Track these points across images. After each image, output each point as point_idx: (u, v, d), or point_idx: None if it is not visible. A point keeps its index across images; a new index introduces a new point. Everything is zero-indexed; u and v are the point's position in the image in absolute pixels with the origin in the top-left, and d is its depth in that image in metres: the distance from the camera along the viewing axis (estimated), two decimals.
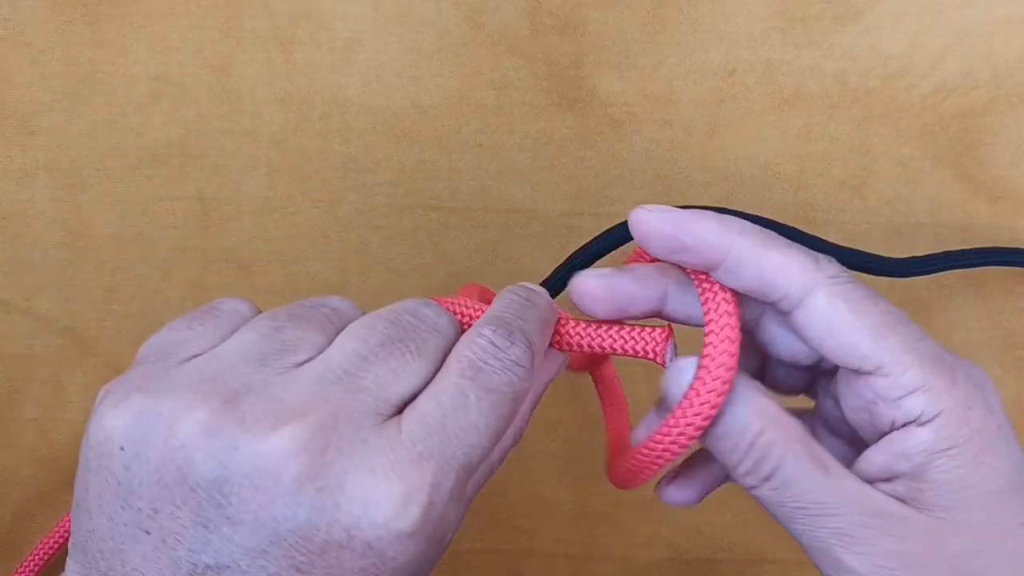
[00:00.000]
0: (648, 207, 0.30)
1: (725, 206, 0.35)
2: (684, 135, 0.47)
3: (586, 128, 0.47)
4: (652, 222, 0.30)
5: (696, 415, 0.29)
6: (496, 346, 0.29)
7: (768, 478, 0.30)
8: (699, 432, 0.29)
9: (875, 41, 0.47)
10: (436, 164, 0.48)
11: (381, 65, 0.47)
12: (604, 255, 0.40)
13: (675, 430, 0.29)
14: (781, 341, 0.33)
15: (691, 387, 0.29)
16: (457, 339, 0.31)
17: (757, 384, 0.31)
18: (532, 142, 0.47)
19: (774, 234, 0.30)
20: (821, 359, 0.32)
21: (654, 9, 0.46)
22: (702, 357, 0.29)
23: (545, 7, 0.47)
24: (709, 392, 0.29)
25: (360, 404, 0.28)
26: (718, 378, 0.29)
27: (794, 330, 0.31)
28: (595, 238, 0.40)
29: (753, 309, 0.33)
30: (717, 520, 0.50)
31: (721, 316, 0.29)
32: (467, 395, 0.28)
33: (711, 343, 0.29)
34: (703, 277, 0.31)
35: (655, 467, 0.31)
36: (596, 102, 0.47)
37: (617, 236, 0.40)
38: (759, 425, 0.30)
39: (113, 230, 0.48)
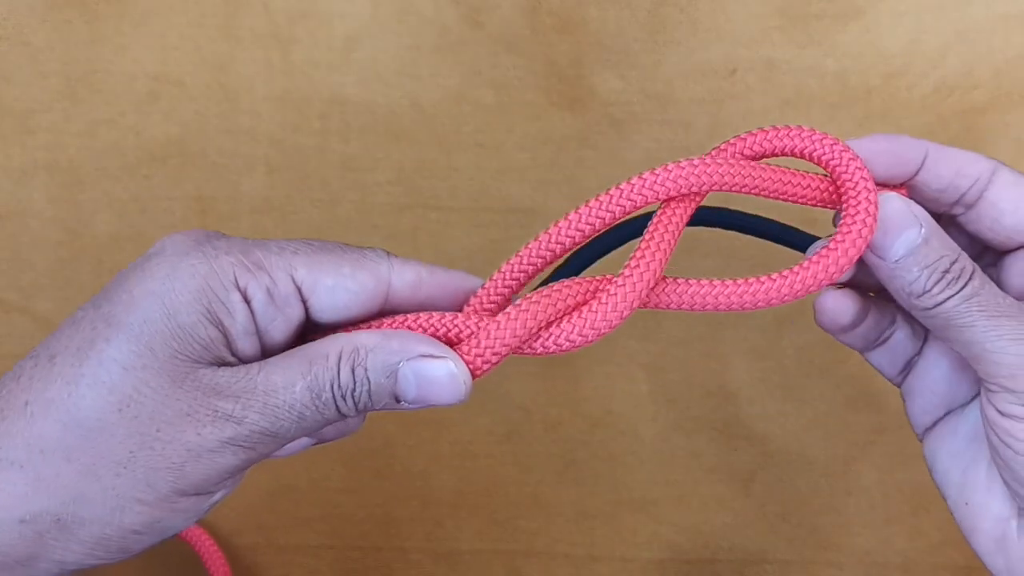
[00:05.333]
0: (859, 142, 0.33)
1: (725, 205, 0.35)
2: (684, 134, 0.47)
3: (586, 128, 0.47)
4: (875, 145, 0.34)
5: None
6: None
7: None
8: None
9: (876, 40, 0.46)
10: (436, 164, 0.48)
11: (380, 64, 0.47)
12: (605, 255, 0.40)
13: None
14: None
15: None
16: None
17: None
18: (532, 142, 0.47)
19: None
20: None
21: (654, 8, 0.46)
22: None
23: (545, 6, 0.47)
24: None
25: None
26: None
27: (978, 220, 0.34)
28: (594, 238, 0.39)
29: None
30: (717, 520, 0.50)
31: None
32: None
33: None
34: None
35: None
36: (596, 102, 0.47)
37: (617, 236, 0.40)
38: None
39: (112, 229, 0.48)
